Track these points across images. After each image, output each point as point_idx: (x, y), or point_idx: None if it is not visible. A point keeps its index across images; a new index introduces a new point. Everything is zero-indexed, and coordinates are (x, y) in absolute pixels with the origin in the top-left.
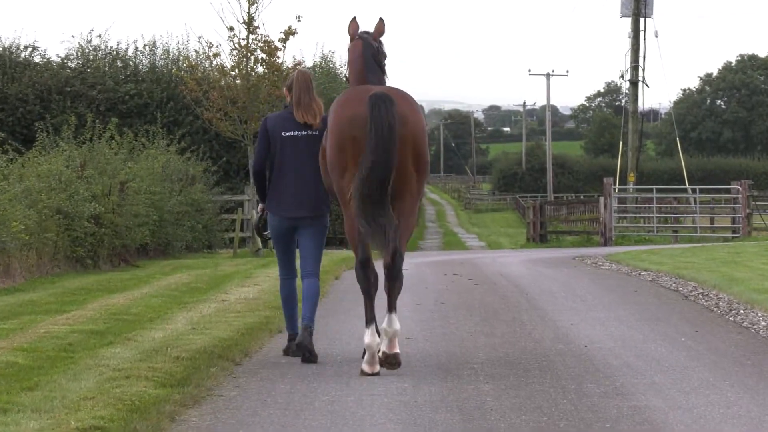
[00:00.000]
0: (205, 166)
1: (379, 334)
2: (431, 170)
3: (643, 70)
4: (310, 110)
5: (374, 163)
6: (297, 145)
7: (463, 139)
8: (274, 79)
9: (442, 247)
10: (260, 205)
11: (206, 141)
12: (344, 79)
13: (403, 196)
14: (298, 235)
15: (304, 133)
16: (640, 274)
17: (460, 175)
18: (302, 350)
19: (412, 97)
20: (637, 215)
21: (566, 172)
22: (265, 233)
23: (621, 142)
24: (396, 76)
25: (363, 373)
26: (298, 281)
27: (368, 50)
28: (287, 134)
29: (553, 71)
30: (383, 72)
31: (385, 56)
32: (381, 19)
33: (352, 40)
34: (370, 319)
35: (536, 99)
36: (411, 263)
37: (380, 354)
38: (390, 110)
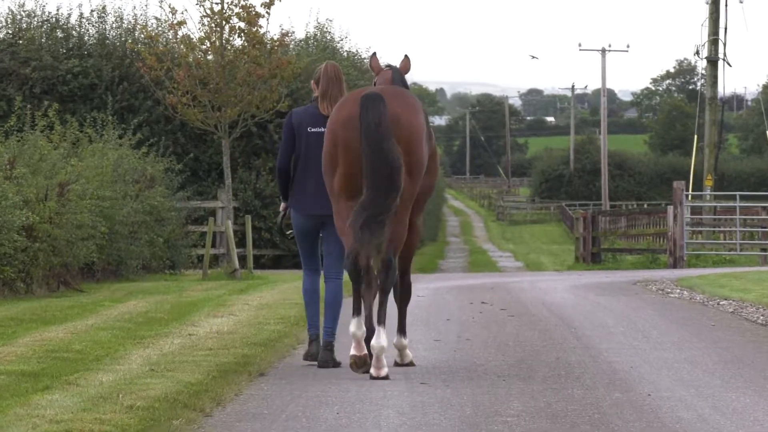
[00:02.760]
0: (168, 164)
1: (371, 331)
2: (454, 171)
3: (725, 44)
4: (336, 103)
5: (370, 162)
6: (322, 142)
7: (495, 132)
8: (255, 54)
9: (468, 268)
10: (282, 204)
11: (169, 132)
12: (344, 55)
13: None
14: (322, 233)
15: None
16: (718, 304)
17: (490, 177)
18: (325, 367)
19: (410, 95)
20: (716, 229)
21: (626, 173)
22: (289, 232)
23: (695, 136)
24: (412, 55)
25: (353, 358)
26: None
27: (397, 78)
28: (313, 130)
29: (609, 46)
30: None
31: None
32: (406, 56)
33: (377, 72)
34: (357, 308)
35: (588, 81)
36: (428, 288)
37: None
38: (378, 108)
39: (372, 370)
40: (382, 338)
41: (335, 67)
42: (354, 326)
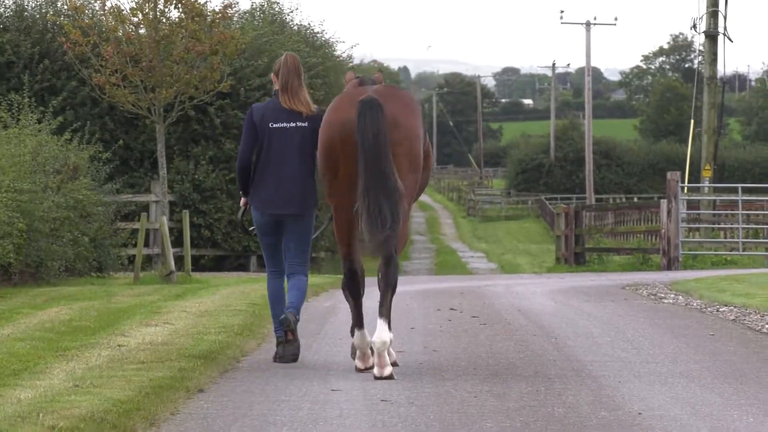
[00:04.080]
0: (94, 152)
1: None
2: None
3: (725, 17)
4: (296, 96)
5: (368, 172)
6: (285, 138)
7: (465, 116)
8: (193, 27)
9: (435, 271)
10: (243, 199)
11: (96, 116)
12: (294, 28)
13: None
14: (284, 232)
15: (292, 124)
16: (718, 311)
17: (460, 167)
18: (285, 326)
19: (406, 95)
20: (715, 226)
21: (613, 163)
22: (251, 229)
23: (692, 121)
24: (369, 33)
25: (357, 370)
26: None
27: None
28: (275, 126)
29: (595, 19)
30: None
31: None
32: (380, 71)
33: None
34: (360, 324)
35: (571, 58)
36: None
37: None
38: (376, 117)
39: (375, 370)
40: (383, 332)
41: (295, 58)
42: (358, 339)
